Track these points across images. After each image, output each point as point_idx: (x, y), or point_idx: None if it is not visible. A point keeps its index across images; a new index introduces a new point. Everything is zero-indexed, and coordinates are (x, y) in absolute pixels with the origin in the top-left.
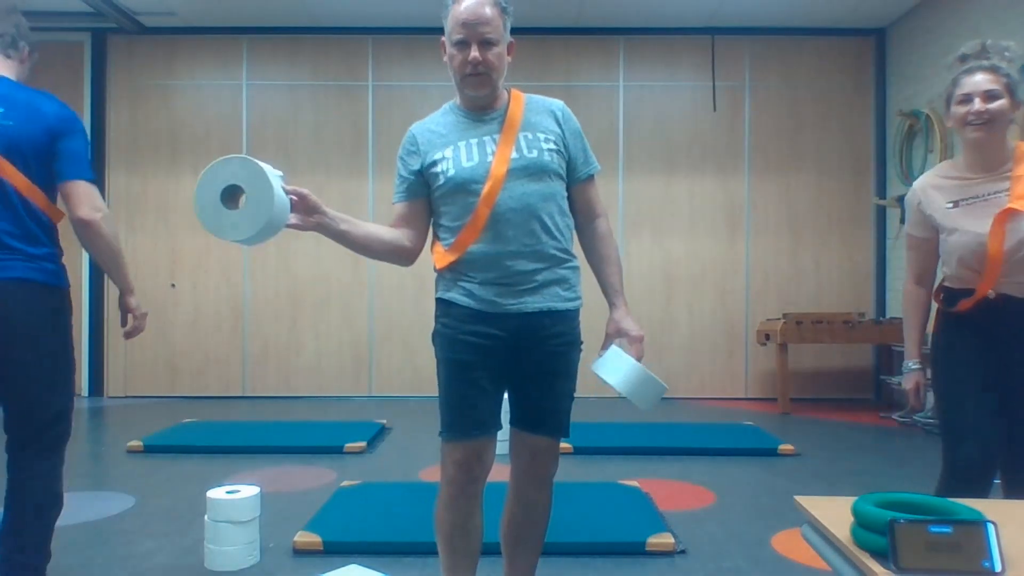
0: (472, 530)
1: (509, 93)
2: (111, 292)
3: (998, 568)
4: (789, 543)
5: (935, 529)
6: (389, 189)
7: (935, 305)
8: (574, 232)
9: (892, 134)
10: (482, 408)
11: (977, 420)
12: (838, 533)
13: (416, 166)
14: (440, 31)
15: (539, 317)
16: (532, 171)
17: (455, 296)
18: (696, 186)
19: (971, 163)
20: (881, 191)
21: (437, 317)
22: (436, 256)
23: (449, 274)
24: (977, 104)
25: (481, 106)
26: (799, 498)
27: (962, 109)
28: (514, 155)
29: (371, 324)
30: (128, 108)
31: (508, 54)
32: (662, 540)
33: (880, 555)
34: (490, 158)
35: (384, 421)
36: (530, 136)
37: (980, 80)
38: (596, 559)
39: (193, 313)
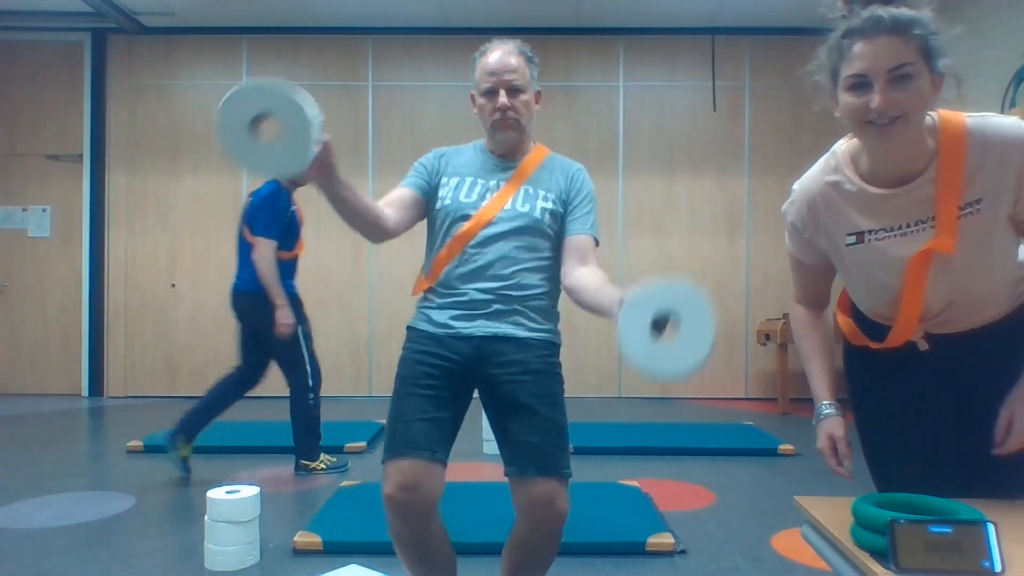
0: (434, 560)
1: (535, 145)
2: (111, 292)
3: (998, 568)
4: (789, 543)
5: (935, 529)
6: (389, 189)
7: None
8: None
9: None
10: (416, 429)
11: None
12: (838, 533)
13: (432, 171)
14: (441, 31)
15: (495, 342)
16: (517, 223)
17: (416, 322)
18: (696, 186)
19: (876, 171)
20: None
21: (402, 347)
22: (417, 282)
23: (420, 303)
24: (878, 97)
25: (507, 152)
26: (799, 498)
27: (856, 100)
28: (507, 206)
29: (371, 324)
30: (128, 108)
31: (536, 103)
32: (662, 540)
33: (880, 555)
34: (485, 200)
35: (384, 421)
36: (531, 191)
37: (881, 52)
38: (596, 559)
39: (193, 313)
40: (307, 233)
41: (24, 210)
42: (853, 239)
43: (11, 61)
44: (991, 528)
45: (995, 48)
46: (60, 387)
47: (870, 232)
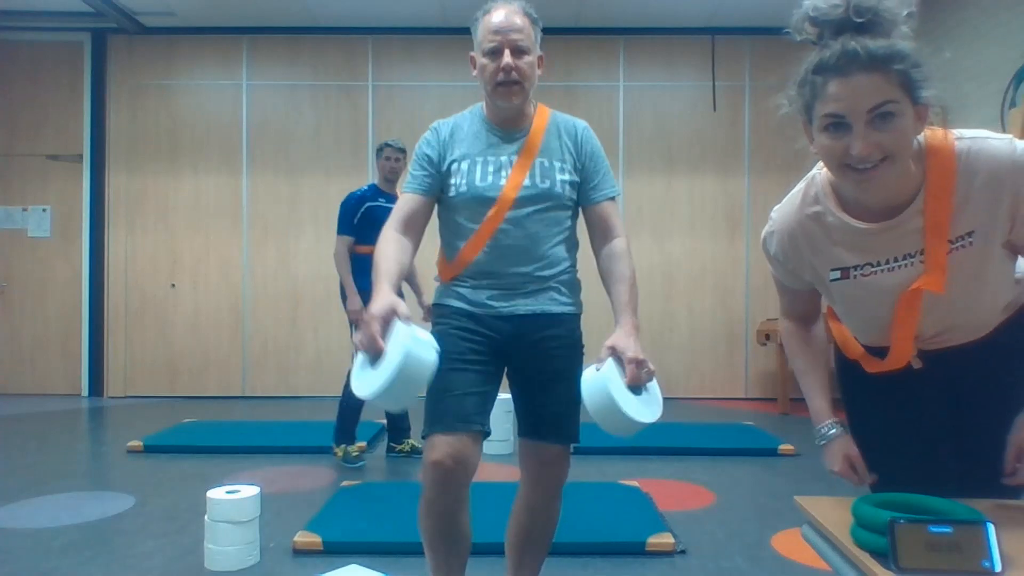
0: (457, 536)
1: (536, 108)
2: (111, 292)
3: (998, 568)
4: (789, 543)
5: (935, 529)
6: None
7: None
8: (578, 251)
9: None
10: (467, 403)
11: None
12: (838, 533)
13: (436, 159)
14: (441, 31)
15: (532, 320)
16: (541, 200)
17: (448, 300)
18: (696, 186)
19: (859, 204)
20: None
21: (432, 322)
22: (440, 269)
23: (446, 282)
24: (858, 144)
25: (509, 119)
26: (799, 498)
27: (833, 144)
28: (526, 183)
29: None
30: (128, 108)
31: (538, 67)
32: (662, 540)
33: (880, 555)
34: (503, 182)
35: (384, 421)
36: (546, 163)
37: (859, 91)
38: (596, 559)
39: (193, 313)
40: (307, 235)
41: (24, 210)
42: (837, 274)
43: (11, 61)
44: (991, 528)
45: (995, 48)
46: (60, 387)
47: (855, 268)
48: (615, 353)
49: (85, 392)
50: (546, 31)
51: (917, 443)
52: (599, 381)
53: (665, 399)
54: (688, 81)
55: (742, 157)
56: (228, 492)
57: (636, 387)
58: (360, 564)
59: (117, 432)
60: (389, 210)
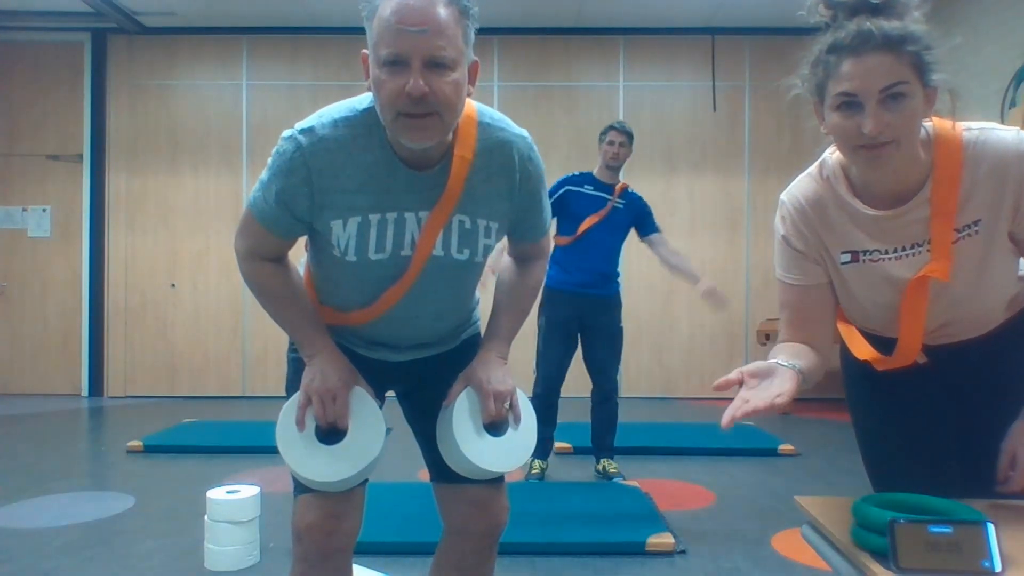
0: None
1: (459, 131)
2: (111, 292)
3: (998, 568)
4: (789, 543)
5: (935, 529)
6: None
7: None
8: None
9: None
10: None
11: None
12: (838, 533)
13: (301, 206)
14: None
15: (431, 361)
16: (451, 269)
17: (335, 340)
18: (696, 186)
19: (868, 185)
20: None
21: (292, 346)
22: (313, 297)
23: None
24: (870, 122)
25: (415, 162)
26: (799, 498)
27: (845, 122)
28: (439, 252)
29: None
30: (128, 108)
31: (470, 81)
32: (662, 540)
33: (880, 555)
34: (406, 251)
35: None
36: (467, 223)
37: (872, 70)
38: (596, 559)
39: (193, 313)
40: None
41: (24, 210)
42: (848, 257)
43: (11, 61)
44: (991, 528)
45: (995, 48)
46: (60, 387)
47: (864, 252)
48: (469, 381)
49: (85, 392)
50: (546, 31)
51: (922, 443)
52: (443, 417)
53: (665, 399)
54: (688, 81)
55: (742, 157)
56: (228, 492)
57: (498, 426)
58: (360, 564)
59: (117, 432)
60: None
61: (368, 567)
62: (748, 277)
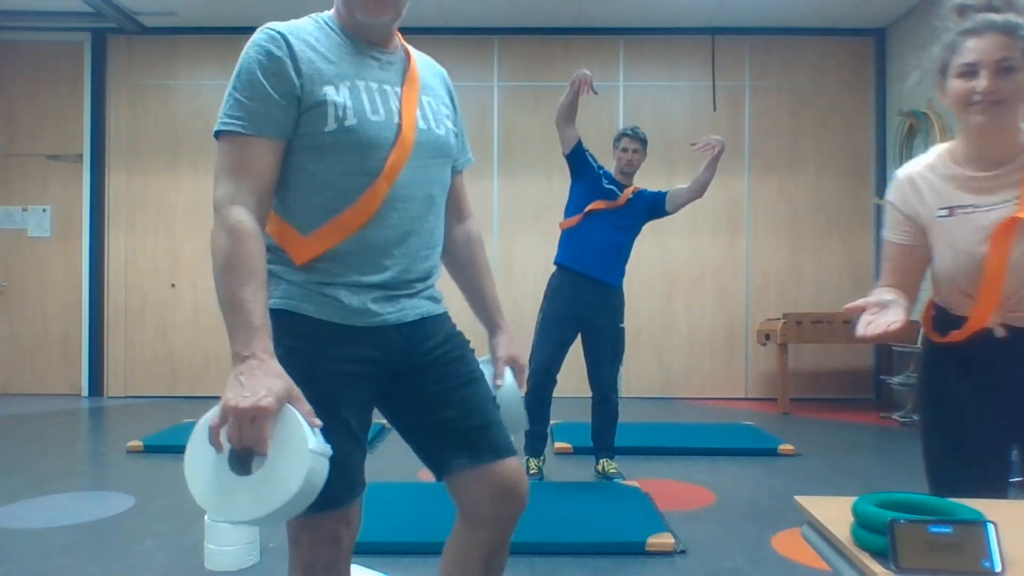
0: None
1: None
2: (111, 292)
3: (998, 568)
4: (789, 543)
5: (935, 529)
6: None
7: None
8: None
9: (892, 134)
10: (355, 462)
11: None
12: (838, 533)
13: (293, 83)
14: (440, 31)
15: (419, 326)
16: (436, 149)
17: (308, 308)
18: None
19: (972, 155)
20: (881, 191)
21: (277, 337)
22: (292, 246)
23: (301, 274)
24: (984, 81)
25: (378, 37)
26: (799, 498)
27: (964, 85)
28: (421, 124)
29: None
30: (128, 108)
31: None
32: (662, 540)
33: (880, 555)
34: (397, 118)
35: (384, 421)
36: (433, 104)
37: (990, 46)
38: (596, 559)
39: (193, 313)
40: None
41: (24, 210)
42: (945, 212)
43: (11, 61)
44: (991, 528)
45: None
46: (60, 387)
47: (960, 207)
48: (513, 361)
49: (85, 392)
50: (546, 31)
51: (981, 439)
52: (512, 393)
53: (665, 399)
54: (688, 81)
55: (742, 157)
56: None
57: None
58: (360, 564)
59: (117, 432)
60: None
61: (368, 567)
62: (748, 277)
